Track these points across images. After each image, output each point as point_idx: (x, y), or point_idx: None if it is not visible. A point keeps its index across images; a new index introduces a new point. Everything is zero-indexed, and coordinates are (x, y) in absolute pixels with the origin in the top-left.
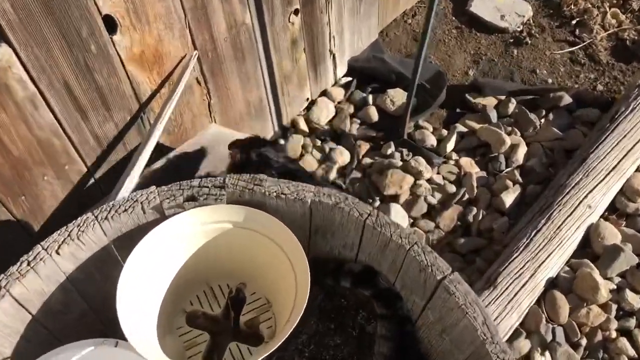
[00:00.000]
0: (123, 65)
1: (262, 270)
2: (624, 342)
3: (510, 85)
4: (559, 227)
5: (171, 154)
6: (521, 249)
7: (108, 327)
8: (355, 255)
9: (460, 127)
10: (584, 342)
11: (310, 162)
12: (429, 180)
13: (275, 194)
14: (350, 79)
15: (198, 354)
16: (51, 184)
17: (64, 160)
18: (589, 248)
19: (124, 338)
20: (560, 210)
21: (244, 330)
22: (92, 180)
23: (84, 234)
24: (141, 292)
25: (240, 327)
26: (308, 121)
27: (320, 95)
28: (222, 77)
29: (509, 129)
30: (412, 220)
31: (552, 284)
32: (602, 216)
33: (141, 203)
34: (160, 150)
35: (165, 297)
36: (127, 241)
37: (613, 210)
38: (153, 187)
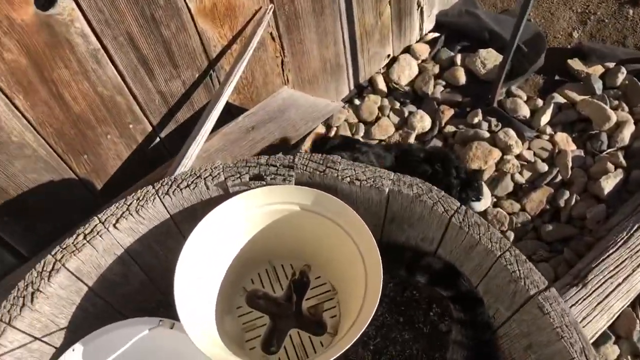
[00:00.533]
0: (193, 19)
1: (328, 255)
2: None
3: (622, 52)
4: None
5: (240, 118)
6: (619, 244)
7: (168, 296)
8: (435, 250)
9: (558, 98)
10: None
11: (386, 126)
12: (518, 156)
13: (349, 179)
14: (437, 35)
15: (257, 337)
16: (115, 143)
17: (128, 119)
18: None
19: None
20: None
21: (307, 316)
22: (157, 140)
23: (143, 209)
24: (202, 271)
25: (303, 312)
26: (387, 80)
27: (403, 52)
28: (298, 33)
29: (616, 103)
30: (495, 200)
31: None
32: None
33: (204, 179)
34: (228, 110)
35: (226, 275)
36: (190, 215)
37: None
38: (218, 162)
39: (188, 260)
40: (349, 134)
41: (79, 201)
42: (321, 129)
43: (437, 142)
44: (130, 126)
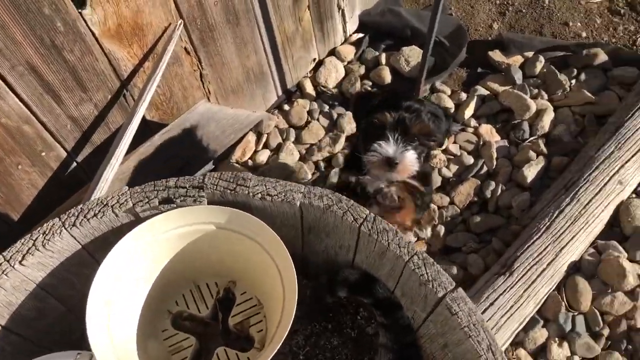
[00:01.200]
0: (98, 42)
1: (251, 269)
2: None
3: (539, 41)
4: (585, 207)
5: (156, 136)
6: (542, 230)
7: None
8: (352, 257)
9: (481, 90)
10: (606, 332)
11: (316, 130)
12: (445, 151)
13: (260, 195)
14: (362, 35)
15: (184, 359)
16: (27, 172)
17: (39, 147)
18: (617, 227)
19: None
20: (587, 187)
21: (234, 333)
22: (74, 165)
23: (50, 242)
24: (118, 298)
25: (230, 329)
26: (315, 84)
27: (328, 55)
28: (215, 45)
29: (535, 91)
30: None
31: (575, 267)
32: (633, 192)
33: (112, 207)
34: (150, 128)
35: (147, 299)
36: (103, 244)
37: None
38: (125, 188)
39: (101, 290)
40: (279, 140)
41: None
42: (252, 137)
43: None
44: (43, 154)
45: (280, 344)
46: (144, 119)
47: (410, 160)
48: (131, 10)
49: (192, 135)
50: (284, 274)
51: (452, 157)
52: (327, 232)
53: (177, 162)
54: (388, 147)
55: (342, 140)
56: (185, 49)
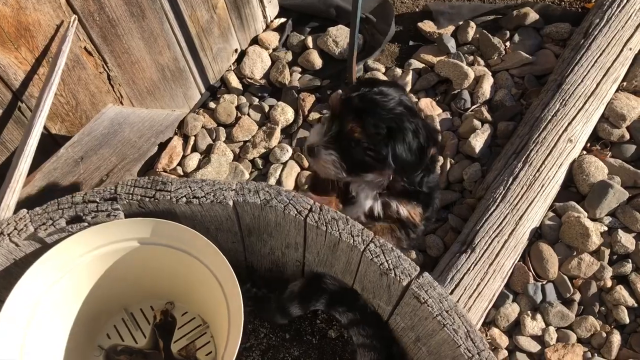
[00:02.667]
0: None
1: (189, 286)
2: (621, 291)
3: (467, 8)
4: (538, 170)
5: (62, 150)
6: (498, 200)
7: None
8: (302, 255)
9: (416, 63)
10: (577, 297)
11: (248, 125)
12: None
13: (184, 199)
14: (284, 19)
15: None
16: None
17: None
18: (573, 187)
19: None
20: (537, 149)
21: (179, 359)
22: None
23: None
24: (32, 338)
25: (174, 357)
26: (240, 76)
27: (251, 44)
28: (120, 42)
29: (471, 58)
30: None
31: (537, 234)
32: (584, 149)
33: (8, 235)
34: (58, 144)
35: (71, 335)
36: (7, 281)
37: (596, 140)
38: (23, 212)
39: (9, 337)
40: (209, 141)
41: None
42: (177, 141)
43: (303, 133)
44: None
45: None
46: (49, 133)
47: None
48: (10, 8)
49: (106, 144)
50: (226, 286)
51: None
52: (269, 232)
53: (94, 176)
54: (314, 134)
55: (277, 134)
56: (86, 48)
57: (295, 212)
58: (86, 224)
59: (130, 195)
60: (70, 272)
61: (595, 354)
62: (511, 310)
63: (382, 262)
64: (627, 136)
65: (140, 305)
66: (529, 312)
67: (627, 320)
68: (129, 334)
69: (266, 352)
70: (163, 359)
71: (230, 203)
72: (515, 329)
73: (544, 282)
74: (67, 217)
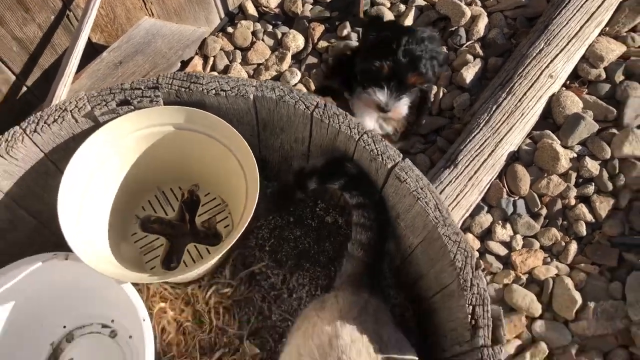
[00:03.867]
0: None
1: (212, 169)
2: (582, 208)
3: None
4: (520, 100)
5: (104, 53)
6: (481, 125)
7: (63, 239)
8: (307, 148)
9: (419, 1)
10: (544, 211)
11: (262, 50)
12: None
13: (214, 91)
14: None
15: (156, 258)
16: None
17: None
18: (551, 119)
19: None
20: (521, 82)
21: (202, 231)
22: (24, 89)
23: (13, 149)
24: (86, 202)
25: (197, 228)
26: (257, 4)
27: None
28: None
29: None
30: None
31: (514, 157)
32: (563, 85)
33: (70, 112)
34: (97, 51)
35: (114, 204)
36: (65, 152)
37: (575, 78)
38: (82, 93)
39: (68, 195)
40: (226, 62)
41: None
42: (198, 60)
43: (312, 59)
44: None
45: (246, 224)
46: (90, 41)
47: (401, 109)
48: None
49: (140, 52)
50: (246, 165)
51: None
52: (281, 126)
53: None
54: (382, 96)
55: (288, 59)
56: None
57: (304, 107)
58: (132, 107)
59: (170, 86)
60: (117, 149)
61: (554, 259)
62: (485, 219)
63: (372, 149)
64: (604, 76)
65: (171, 185)
66: (500, 221)
67: (585, 233)
68: (161, 208)
69: (273, 231)
70: (188, 229)
71: (251, 97)
72: (487, 235)
73: (516, 198)
74: (117, 100)
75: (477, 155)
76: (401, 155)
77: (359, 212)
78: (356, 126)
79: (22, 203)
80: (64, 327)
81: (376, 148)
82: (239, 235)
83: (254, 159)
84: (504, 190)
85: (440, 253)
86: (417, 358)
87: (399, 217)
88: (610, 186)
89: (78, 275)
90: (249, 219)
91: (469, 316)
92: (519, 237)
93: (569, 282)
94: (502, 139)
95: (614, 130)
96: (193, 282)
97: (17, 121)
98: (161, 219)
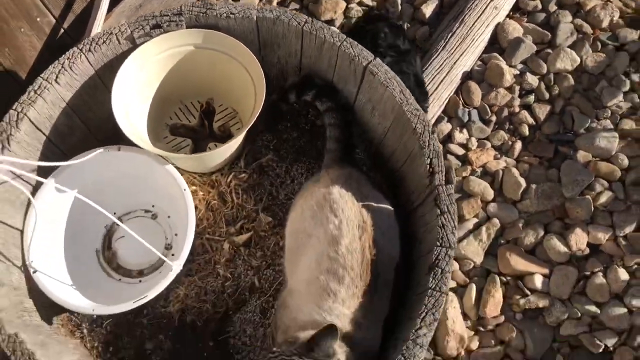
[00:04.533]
0: None
1: (225, 84)
2: (525, 114)
3: None
4: (470, 28)
5: None
6: (439, 50)
7: (106, 143)
8: (299, 60)
9: None
10: (493, 118)
11: None
12: (360, 3)
13: (225, 15)
14: None
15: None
16: (28, 35)
17: (35, 13)
18: (497, 44)
19: None
20: (470, 14)
21: (218, 133)
22: (61, 31)
23: (74, 65)
24: (131, 110)
25: (215, 132)
26: None
27: None
28: None
29: None
30: None
31: (468, 76)
32: (507, 15)
33: (115, 35)
34: None
35: (149, 113)
36: (109, 70)
37: (517, 9)
38: (123, 21)
39: (118, 101)
40: None
41: (10, 93)
42: None
43: (294, 5)
44: (38, 19)
45: (256, 117)
46: None
47: None
48: None
49: None
50: (255, 76)
51: (366, 7)
52: (278, 43)
53: None
54: None
55: (274, 2)
56: None
57: (296, 23)
58: (162, 30)
59: (190, 12)
60: (149, 65)
61: (503, 156)
62: (445, 127)
63: (351, 52)
64: (540, 7)
65: (191, 99)
66: (458, 128)
67: (527, 134)
68: (185, 117)
69: (275, 134)
70: (207, 133)
71: (254, 18)
72: (447, 140)
73: (470, 109)
74: (151, 25)
75: (436, 75)
76: (373, 55)
77: (329, 115)
78: (337, 35)
79: (77, 111)
80: (114, 213)
81: (354, 51)
82: (250, 124)
83: (261, 69)
84: (460, 102)
85: (406, 127)
86: (391, 207)
87: (375, 109)
88: (547, 95)
89: (126, 167)
90: (258, 113)
91: (428, 166)
92: (473, 139)
93: (515, 171)
94: (456, 61)
95: (549, 50)
96: (216, 171)
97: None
98: (185, 125)
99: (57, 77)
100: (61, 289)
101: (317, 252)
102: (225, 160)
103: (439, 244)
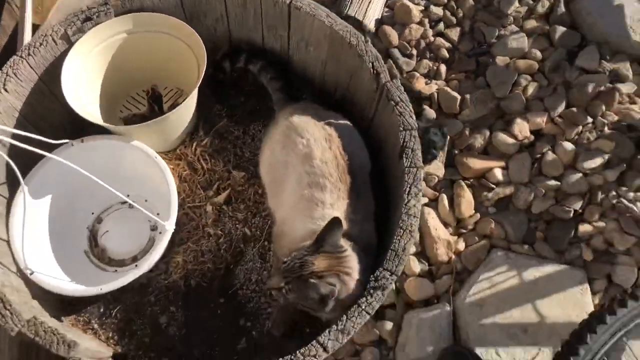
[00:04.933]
0: None
1: (168, 65)
2: (440, 40)
3: None
4: None
5: None
6: (348, 6)
7: None
8: (227, 24)
9: None
10: (414, 52)
11: None
12: None
13: None
14: None
15: None
16: None
17: None
18: None
19: None
20: None
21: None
22: None
23: (18, 71)
24: (87, 109)
25: (165, 111)
26: None
27: None
28: None
29: None
30: None
31: (380, 22)
32: None
33: (50, 36)
34: None
35: (101, 105)
36: (53, 76)
37: None
38: (54, 21)
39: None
40: None
41: None
42: None
43: None
44: None
45: (203, 73)
46: None
47: None
48: None
49: None
50: (195, 48)
51: None
52: (203, 11)
53: None
54: None
55: None
56: None
57: None
58: (93, 22)
59: None
60: (89, 63)
61: (432, 80)
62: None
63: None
64: None
65: (136, 90)
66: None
67: (448, 56)
68: (134, 107)
69: (225, 102)
70: (160, 114)
71: None
72: None
73: (391, 48)
74: (81, 19)
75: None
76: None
77: (264, 73)
78: None
79: (31, 121)
80: (92, 213)
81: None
82: (201, 79)
83: (199, 37)
84: (380, 46)
85: (342, 44)
86: (349, 123)
87: (308, 44)
88: (454, 20)
89: (93, 160)
90: (202, 75)
91: (371, 70)
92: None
93: (447, 89)
94: (366, 12)
95: None
96: (179, 145)
97: None
98: (137, 114)
99: (4, 84)
100: (62, 282)
101: (296, 174)
102: (185, 128)
103: (401, 128)
